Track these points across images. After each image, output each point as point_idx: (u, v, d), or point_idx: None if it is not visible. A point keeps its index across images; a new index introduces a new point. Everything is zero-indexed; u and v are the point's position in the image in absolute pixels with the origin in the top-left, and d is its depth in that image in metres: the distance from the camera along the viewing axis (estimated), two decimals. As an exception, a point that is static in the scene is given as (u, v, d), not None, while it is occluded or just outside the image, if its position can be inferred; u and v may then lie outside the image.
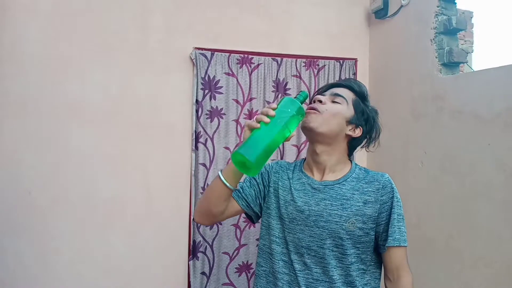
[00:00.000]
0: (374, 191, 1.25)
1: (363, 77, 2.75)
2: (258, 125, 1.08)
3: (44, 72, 2.22)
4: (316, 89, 1.34)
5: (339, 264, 1.23)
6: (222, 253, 2.48)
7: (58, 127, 2.25)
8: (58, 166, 2.25)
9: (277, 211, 1.31)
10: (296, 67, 2.59)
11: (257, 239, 2.52)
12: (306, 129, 1.28)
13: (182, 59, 2.42)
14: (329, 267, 1.22)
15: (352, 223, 1.23)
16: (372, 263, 1.28)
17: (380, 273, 1.31)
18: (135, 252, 2.37)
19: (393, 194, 1.26)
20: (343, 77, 2.66)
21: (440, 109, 2.13)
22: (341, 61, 2.66)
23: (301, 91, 1.15)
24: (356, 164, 1.35)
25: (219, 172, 1.24)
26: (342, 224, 1.22)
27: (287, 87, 2.58)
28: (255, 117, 1.11)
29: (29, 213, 2.20)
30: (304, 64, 2.61)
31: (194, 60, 2.39)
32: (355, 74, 2.69)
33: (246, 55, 2.48)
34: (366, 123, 1.32)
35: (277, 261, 1.28)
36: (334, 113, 1.26)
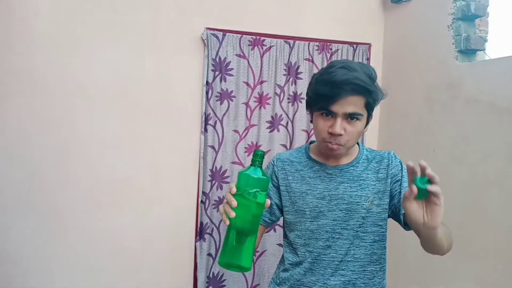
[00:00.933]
0: (384, 168, 1.28)
1: (377, 63, 2.70)
2: (228, 221, 0.99)
3: (53, 50, 2.21)
4: (325, 98, 1.14)
5: (362, 243, 1.25)
6: (229, 235, 2.48)
7: (66, 107, 2.24)
8: (66, 146, 2.25)
9: (293, 206, 1.31)
10: (309, 51, 2.55)
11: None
12: (332, 157, 1.27)
13: (193, 40, 2.39)
14: (353, 247, 1.25)
15: (371, 201, 1.25)
16: (386, 239, 1.31)
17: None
18: (142, 233, 2.38)
19: (401, 166, 1.29)
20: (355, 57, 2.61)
21: (455, 96, 2.09)
22: (354, 45, 2.61)
23: (255, 151, 1.00)
24: (363, 146, 1.36)
25: None
26: (363, 204, 1.25)
27: (299, 70, 2.54)
28: (223, 209, 1.01)
29: (37, 193, 2.22)
30: (317, 48, 2.56)
31: (205, 41, 2.36)
32: (368, 59, 2.64)
33: (258, 37, 2.44)
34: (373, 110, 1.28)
35: (302, 252, 1.30)
36: (356, 136, 1.21)
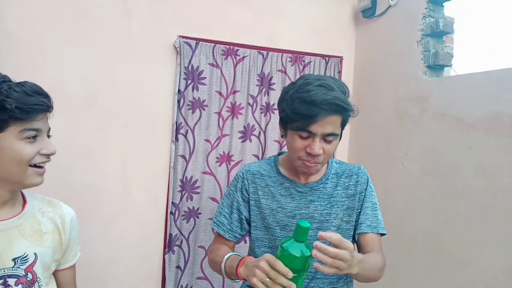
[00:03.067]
0: (354, 184, 1.30)
1: (348, 76, 2.74)
2: None
3: (22, 55, 2.11)
4: (303, 117, 1.11)
5: None
6: (198, 246, 2.43)
7: (32, 111, 2.14)
8: (30, 152, 2.14)
9: (262, 222, 1.30)
10: (282, 62, 2.56)
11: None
12: (304, 174, 1.28)
13: (165, 48, 2.35)
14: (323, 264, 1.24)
15: (340, 218, 1.26)
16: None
17: None
18: (109, 244, 2.30)
19: (367, 184, 1.31)
20: (327, 74, 2.64)
21: (424, 110, 2.14)
22: (326, 58, 2.64)
23: (300, 224, 0.92)
24: (332, 160, 1.36)
25: (223, 266, 1.18)
26: (333, 221, 1.25)
27: (272, 81, 2.54)
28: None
29: None
30: (290, 60, 2.57)
31: (178, 49, 2.32)
32: (339, 72, 2.67)
33: (231, 47, 2.43)
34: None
35: None
36: (331, 155, 1.22)
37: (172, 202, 2.37)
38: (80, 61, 2.21)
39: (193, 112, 2.38)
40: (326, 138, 1.14)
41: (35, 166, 1.02)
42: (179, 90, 2.35)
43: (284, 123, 1.20)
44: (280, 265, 0.91)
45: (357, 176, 1.31)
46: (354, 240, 1.30)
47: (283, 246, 0.93)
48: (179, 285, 2.40)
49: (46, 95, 1.04)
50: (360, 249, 1.29)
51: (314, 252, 0.92)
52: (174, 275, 2.39)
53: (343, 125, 1.19)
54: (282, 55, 2.56)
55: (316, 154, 1.14)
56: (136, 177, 2.33)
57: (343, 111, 1.13)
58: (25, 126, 0.98)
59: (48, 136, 1.07)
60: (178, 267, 2.41)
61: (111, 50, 2.26)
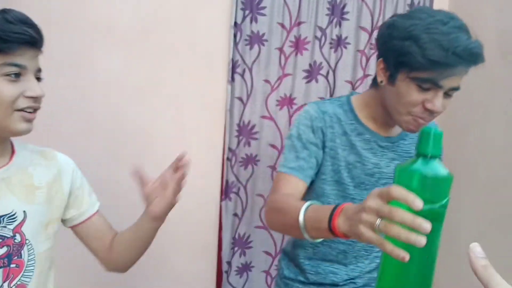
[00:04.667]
0: None
1: (442, 2, 2.23)
2: (408, 257, 0.55)
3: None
4: (437, 67, 0.90)
5: None
6: (256, 195, 2.28)
7: (83, 49, 2.03)
8: (84, 92, 2.06)
9: (333, 175, 1.11)
10: (359, -15, 2.12)
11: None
12: (391, 126, 1.12)
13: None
14: None
15: None
16: None
17: None
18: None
19: None
20: (415, 1, 2.16)
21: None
22: (416, -22, 2.15)
23: (425, 130, 0.58)
24: None
25: (302, 218, 0.83)
26: None
27: (345, 10, 2.14)
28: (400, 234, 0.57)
29: (54, 141, 2.08)
30: (369, -18, 2.13)
31: (234, -26, 2.01)
32: (432, -4, 2.17)
33: (297, -31, 2.05)
34: None
35: None
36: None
37: (229, 148, 2.20)
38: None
39: (251, 48, 2.10)
40: (449, 92, 0.96)
41: (22, 110, 0.87)
42: (235, 23, 2.06)
43: (396, 67, 0.97)
44: (398, 190, 0.57)
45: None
46: None
47: (402, 168, 0.60)
48: (236, 233, 2.31)
49: (32, 25, 0.87)
50: None
51: None
52: (231, 223, 2.29)
53: None
54: (359, -24, 2.11)
55: (438, 111, 0.96)
56: (191, 120, 2.18)
57: (480, 63, 0.93)
58: (5, 60, 0.82)
59: (38, 79, 0.91)
60: (235, 214, 2.29)
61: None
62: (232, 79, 2.11)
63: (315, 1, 2.11)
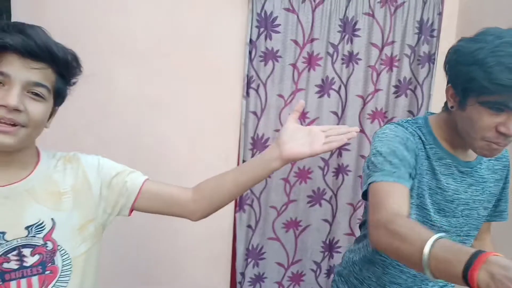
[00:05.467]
0: (501, 168, 1.12)
1: (451, 19, 2.30)
2: None
3: (88, 5, 2.04)
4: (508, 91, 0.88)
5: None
6: (270, 207, 2.32)
7: (101, 64, 2.10)
8: (102, 106, 2.13)
9: (416, 199, 1.07)
10: (369, 3, 2.19)
11: (309, 196, 2.33)
12: (465, 149, 1.09)
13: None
14: None
15: (486, 206, 1.12)
16: None
17: None
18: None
19: (509, 168, 1.14)
20: (425, 18, 2.22)
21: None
22: (425, -3, 2.22)
23: None
24: None
25: (427, 253, 0.72)
26: (479, 209, 1.10)
27: (357, 27, 2.21)
28: None
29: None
30: (379, 0, 2.20)
31: (249, -7, 2.09)
32: (440, 14, 2.23)
33: (310, -12, 2.13)
34: None
35: None
36: None
37: (243, 160, 2.25)
38: (148, 10, 2.09)
39: (265, 64, 2.17)
40: None
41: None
42: (250, 40, 2.13)
43: (465, 93, 0.95)
44: None
45: (505, 160, 1.13)
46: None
47: None
48: (250, 244, 2.35)
49: (29, 36, 0.84)
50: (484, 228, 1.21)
51: None
52: (244, 234, 2.33)
53: None
54: (369, -6, 2.19)
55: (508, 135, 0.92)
56: (206, 133, 2.24)
57: None
58: None
59: (35, 94, 0.88)
60: (249, 226, 2.34)
61: (179, -2, 2.09)
62: (247, 94, 2.18)
63: (327, 19, 2.18)
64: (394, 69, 2.27)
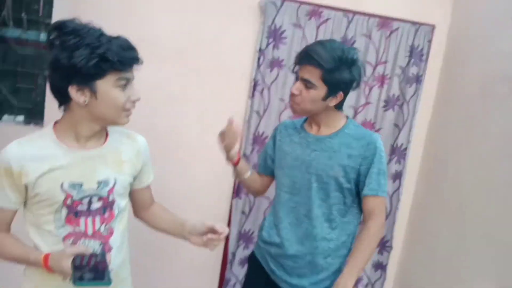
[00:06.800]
0: (359, 147, 1.51)
1: (439, 46, 2.59)
2: None
3: (112, 8, 2.33)
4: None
5: (322, 203, 1.55)
6: (263, 197, 2.61)
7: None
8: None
9: (279, 162, 1.68)
10: (367, 26, 2.49)
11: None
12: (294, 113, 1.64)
13: (250, 7, 2.44)
14: (314, 205, 1.55)
15: (335, 171, 1.51)
16: (354, 205, 1.58)
17: (361, 214, 1.61)
18: (185, 184, 2.58)
19: (375, 151, 1.49)
20: (416, 44, 2.51)
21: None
22: (417, 25, 2.50)
23: None
24: (351, 121, 1.60)
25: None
26: (328, 171, 1.51)
27: (354, 45, 2.50)
28: None
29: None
30: (376, 24, 2.49)
31: (263, 8, 2.39)
32: (430, 41, 2.52)
33: (316, 8, 2.43)
34: (345, 85, 1.48)
35: (280, 201, 1.67)
36: (308, 101, 1.47)
37: (244, 154, 2.55)
38: (170, 17, 2.39)
39: (271, 71, 2.47)
40: (305, 83, 1.53)
41: (125, 109, 1.21)
42: (260, 48, 2.44)
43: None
44: None
45: (365, 141, 1.50)
46: (359, 202, 1.56)
47: None
48: (243, 228, 2.64)
49: (136, 50, 1.20)
50: (363, 209, 1.55)
51: None
52: (238, 219, 2.62)
53: (327, 81, 1.47)
54: (368, 18, 2.48)
55: (292, 93, 1.58)
56: (213, 127, 2.52)
57: (319, 62, 1.45)
58: (121, 75, 1.17)
59: None
60: (243, 212, 2.63)
61: (200, 8, 2.40)
62: (253, 95, 2.48)
63: (329, 36, 2.47)
64: (385, 86, 2.56)
